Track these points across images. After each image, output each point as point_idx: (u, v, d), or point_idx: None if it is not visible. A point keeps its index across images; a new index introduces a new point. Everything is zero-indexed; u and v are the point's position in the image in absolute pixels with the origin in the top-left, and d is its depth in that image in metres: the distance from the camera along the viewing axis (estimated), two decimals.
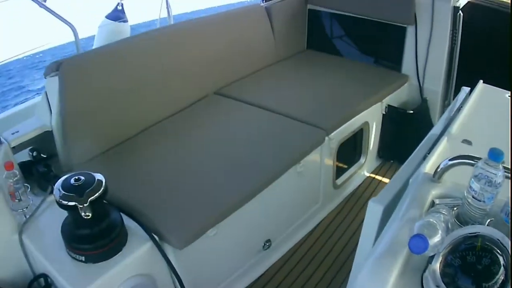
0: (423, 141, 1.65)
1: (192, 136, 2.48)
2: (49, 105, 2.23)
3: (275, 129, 2.49)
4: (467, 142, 1.51)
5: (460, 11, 2.88)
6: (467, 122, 1.65)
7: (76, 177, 1.52)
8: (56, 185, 1.52)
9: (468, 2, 3.03)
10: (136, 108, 2.50)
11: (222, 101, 2.87)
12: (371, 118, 2.92)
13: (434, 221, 0.89)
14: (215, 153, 2.29)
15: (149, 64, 2.57)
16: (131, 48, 2.57)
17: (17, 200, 1.78)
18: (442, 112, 3.10)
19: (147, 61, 2.57)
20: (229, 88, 3.00)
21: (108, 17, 3.99)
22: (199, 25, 2.97)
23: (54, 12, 3.14)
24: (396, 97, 3.12)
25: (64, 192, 1.49)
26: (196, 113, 2.71)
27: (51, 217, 1.81)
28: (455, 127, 1.58)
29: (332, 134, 2.52)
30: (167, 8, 3.99)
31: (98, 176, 1.56)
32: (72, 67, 2.22)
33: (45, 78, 2.25)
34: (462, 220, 1.03)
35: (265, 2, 3.47)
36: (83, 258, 1.58)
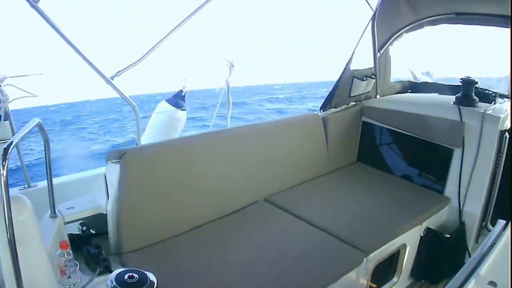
0: (451, 282, 1.62)
1: (237, 242, 2.52)
2: (107, 189, 2.32)
3: (317, 246, 2.51)
4: (493, 284, 1.48)
5: (506, 133, 2.93)
6: (497, 263, 1.62)
7: (130, 274, 1.55)
8: (110, 276, 1.55)
9: None
10: (189, 206, 2.58)
11: (270, 209, 2.91)
12: (409, 240, 2.90)
13: None
14: (256, 263, 2.31)
15: (206, 164, 2.67)
16: (192, 146, 2.67)
17: (66, 277, 1.83)
18: (479, 235, 3.12)
19: (204, 161, 2.67)
20: (278, 196, 3.06)
21: (168, 101, 4.22)
22: (257, 130, 3.10)
23: (119, 91, 3.34)
24: (436, 219, 3.10)
25: (117, 286, 1.51)
26: (245, 219, 2.76)
27: None
28: (484, 268, 1.56)
29: (370, 255, 2.51)
30: (228, 97, 4.24)
31: (151, 277, 1.59)
32: (134, 158, 2.31)
33: (107, 162, 2.36)
34: None
35: (322, 111, 3.61)
36: None
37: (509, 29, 3.28)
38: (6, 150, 1.43)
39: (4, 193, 1.37)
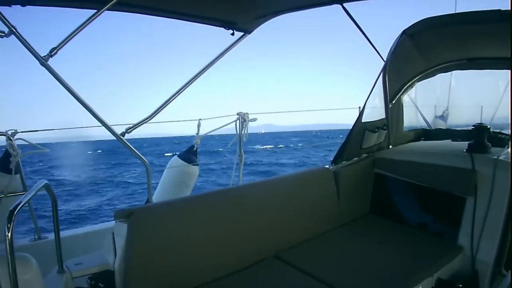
0: None
1: None
2: (115, 247, 2.33)
3: None
4: None
5: None
6: None
7: None
8: None
9: None
10: (197, 264, 2.56)
11: (279, 267, 2.87)
12: None
13: None
14: None
15: (215, 221, 2.67)
16: (201, 205, 2.68)
17: None
18: (492, 282, 3.04)
19: (213, 219, 2.67)
20: (289, 253, 3.02)
21: (180, 157, 4.25)
22: (267, 186, 3.11)
23: (131, 147, 3.35)
24: (448, 269, 3.04)
25: None
26: (254, 277, 2.72)
27: None
28: None
29: None
30: (240, 151, 4.26)
31: None
32: (142, 218, 2.33)
33: (115, 221, 2.38)
34: None
35: (334, 165, 3.62)
36: None
37: None
38: (11, 212, 1.47)
39: (9, 254, 1.40)
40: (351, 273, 2.76)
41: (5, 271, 1.44)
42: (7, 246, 1.41)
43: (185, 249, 2.51)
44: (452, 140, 3.93)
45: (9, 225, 1.43)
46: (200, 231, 2.59)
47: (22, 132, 3.27)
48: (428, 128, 4.52)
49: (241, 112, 4.06)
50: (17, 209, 1.52)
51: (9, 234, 1.42)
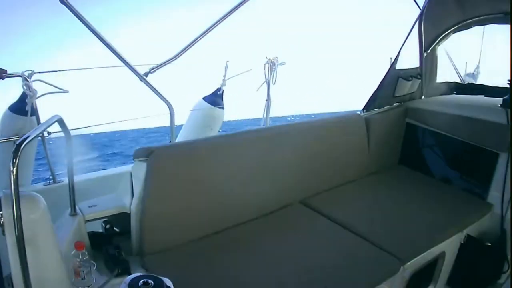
0: None
1: (267, 246, 2.40)
2: (132, 188, 2.23)
3: (353, 252, 2.39)
4: None
5: None
6: None
7: (145, 280, 1.48)
8: (125, 280, 1.49)
9: None
10: (217, 208, 2.46)
11: (305, 212, 2.80)
12: (449, 248, 2.76)
13: None
14: (286, 269, 2.19)
15: (239, 164, 2.55)
16: (224, 145, 2.55)
17: (80, 278, 1.77)
18: None
19: (237, 161, 2.55)
20: (315, 199, 2.95)
21: (206, 99, 4.13)
22: (296, 130, 2.98)
23: (154, 88, 3.27)
24: (477, 226, 2.97)
25: None
26: (277, 222, 2.65)
27: None
28: None
29: (408, 263, 2.37)
30: (268, 94, 4.15)
31: (168, 283, 1.51)
32: (162, 157, 2.21)
33: (133, 160, 2.27)
34: None
35: (365, 111, 3.49)
36: None
37: None
38: (18, 146, 1.36)
39: (13, 192, 1.31)
40: (378, 224, 2.68)
41: (9, 210, 1.36)
42: (11, 182, 1.31)
43: (207, 191, 2.40)
44: (486, 96, 3.78)
45: (14, 160, 1.32)
46: (224, 173, 2.47)
47: (39, 73, 3.16)
48: (461, 82, 4.38)
49: (270, 56, 3.94)
50: (25, 142, 1.40)
51: (14, 170, 1.32)
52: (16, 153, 1.34)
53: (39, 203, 1.57)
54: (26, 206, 1.43)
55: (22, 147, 1.37)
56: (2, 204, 1.44)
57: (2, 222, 1.43)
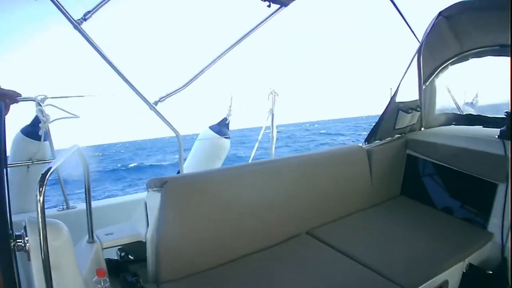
0: None
1: (277, 276, 2.45)
2: (147, 217, 2.31)
3: (358, 281, 2.43)
4: None
5: None
6: None
7: None
8: None
9: None
10: (229, 237, 2.53)
11: (312, 243, 2.86)
12: (452, 277, 2.80)
13: None
14: None
15: (248, 195, 2.63)
16: (233, 177, 2.64)
17: None
18: None
19: (246, 192, 2.63)
20: (321, 230, 3.01)
21: (212, 128, 4.21)
22: (300, 161, 3.05)
23: (163, 117, 3.33)
24: (478, 255, 3.01)
25: None
26: (286, 252, 2.70)
27: None
28: None
29: None
30: (272, 125, 4.24)
31: None
32: (176, 187, 2.29)
33: (148, 190, 2.35)
34: None
35: (367, 144, 3.58)
36: None
37: None
38: (43, 176, 1.42)
39: (40, 219, 1.36)
40: (383, 254, 2.74)
41: (36, 237, 1.40)
42: (39, 211, 1.36)
43: (218, 221, 2.48)
44: (483, 126, 3.88)
45: (41, 189, 1.38)
46: (234, 204, 2.56)
47: (52, 98, 3.25)
48: (459, 113, 4.47)
49: (272, 87, 4.05)
50: (49, 172, 1.46)
51: (41, 199, 1.37)
52: (42, 182, 1.39)
53: (63, 231, 1.63)
54: (51, 233, 1.46)
55: (47, 177, 1.43)
56: (28, 230, 1.49)
57: (28, 247, 1.47)
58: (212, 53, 3.59)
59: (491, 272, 2.92)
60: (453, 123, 4.23)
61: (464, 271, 2.88)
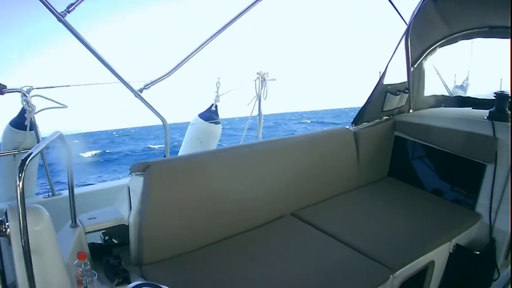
0: None
1: (261, 257, 2.46)
2: (130, 201, 2.31)
3: (343, 262, 2.44)
4: None
5: None
6: None
7: None
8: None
9: None
10: (212, 219, 2.54)
11: (296, 224, 2.87)
12: (438, 257, 2.82)
13: None
14: (279, 279, 2.25)
15: (232, 178, 2.64)
16: (217, 160, 2.63)
17: (82, 287, 1.80)
18: (509, 252, 3.02)
19: (230, 175, 2.63)
20: (306, 211, 3.02)
21: (201, 116, 4.19)
22: (287, 144, 3.06)
23: (148, 104, 3.34)
24: (466, 236, 3.03)
25: None
26: (269, 233, 2.71)
27: None
28: None
29: (397, 272, 2.43)
30: (259, 109, 4.24)
31: None
32: (158, 171, 2.29)
33: (131, 174, 2.35)
34: None
35: (354, 126, 3.58)
36: None
37: None
38: (23, 161, 1.43)
39: (19, 204, 1.36)
40: (368, 235, 2.75)
41: (16, 222, 1.41)
42: (18, 196, 1.37)
43: (202, 203, 2.49)
44: (473, 108, 3.88)
45: (20, 175, 1.38)
46: (218, 186, 2.56)
47: (38, 88, 3.26)
48: (448, 95, 4.48)
49: (261, 72, 4.05)
50: (29, 158, 1.46)
51: (20, 184, 1.37)
52: (21, 168, 1.40)
53: (44, 215, 1.62)
54: (32, 218, 1.48)
55: (27, 163, 1.43)
56: (8, 215, 1.49)
57: (9, 233, 1.48)
58: (198, 39, 3.58)
59: (478, 252, 2.94)
60: (442, 105, 4.23)
61: (451, 251, 2.90)
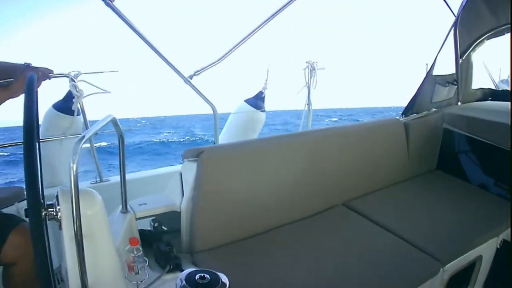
0: None
1: (312, 246, 2.44)
2: (182, 187, 2.29)
3: (394, 253, 2.42)
4: None
5: None
6: None
7: (202, 275, 1.49)
8: (180, 275, 1.50)
9: None
10: (264, 207, 2.51)
11: (348, 214, 2.86)
12: (486, 252, 2.78)
13: None
14: (330, 268, 2.23)
15: (283, 166, 2.61)
16: (270, 148, 2.60)
17: (134, 273, 1.77)
18: None
19: (283, 163, 2.60)
20: (357, 202, 3.00)
21: (248, 102, 4.19)
22: (338, 133, 3.04)
23: (198, 90, 3.35)
24: None
25: (187, 286, 1.46)
26: (321, 223, 2.69)
27: None
28: None
29: (447, 265, 2.40)
30: (308, 99, 4.26)
31: (223, 278, 1.52)
32: (212, 157, 2.25)
33: (183, 161, 2.32)
34: None
35: (404, 117, 3.55)
36: None
37: None
38: (77, 144, 1.39)
39: (73, 187, 1.33)
40: (418, 227, 2.71)
41: (68, 205, 1.37)
42: (72, 178, 1.32)
43: (254, 192, 2.46)
44: None
45: (74, 157, 1.33)
46: (270, 175, 2.53)
47: (85, 73, 3.24)
48: (495, 88, 4.41)
49: (310, 60, 4.06)
50: (83, 140, 1.42)
51: (74, 166, 1.32)
52: (75, 150, 1.36)
53: (96, 199, 1.60)
54: (84, 202, 1.45)
55: (80, 145, 1.40)
56: (60, 199, 1.46)
57: (60, 216, 1.45)
58: (245, 29, 3.59)
59: None
60: (489, 98, 4.18)
61: (498, 246, 2.85)
